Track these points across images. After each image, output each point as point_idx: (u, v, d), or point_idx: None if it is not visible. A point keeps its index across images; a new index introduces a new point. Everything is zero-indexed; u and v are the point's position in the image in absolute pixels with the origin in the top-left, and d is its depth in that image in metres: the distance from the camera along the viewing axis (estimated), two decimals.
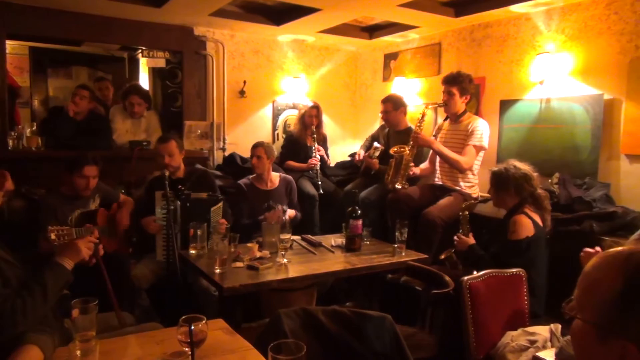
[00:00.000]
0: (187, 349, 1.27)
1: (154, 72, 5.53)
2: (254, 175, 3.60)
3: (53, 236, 2.09)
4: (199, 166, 4.09)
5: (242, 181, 3.62)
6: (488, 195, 3.52)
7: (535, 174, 2.64)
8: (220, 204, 3.11)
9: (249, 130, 4.94)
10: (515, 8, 3.64)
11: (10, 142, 3.73)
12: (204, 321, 1.31)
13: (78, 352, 1.29)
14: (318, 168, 4.26)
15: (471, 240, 2.72)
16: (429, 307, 2.48)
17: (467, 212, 2.83)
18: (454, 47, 4.39)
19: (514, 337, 2.03)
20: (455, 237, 2.79)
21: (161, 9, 3.87)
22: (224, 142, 4.80)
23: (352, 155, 4.80)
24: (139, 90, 4.42)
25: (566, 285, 1.01)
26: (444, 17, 3.99)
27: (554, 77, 3.50)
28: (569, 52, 3.46)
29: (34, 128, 3.94)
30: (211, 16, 4.14)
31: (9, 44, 4.15)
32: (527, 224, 2.47)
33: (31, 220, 2.95)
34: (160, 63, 4.90)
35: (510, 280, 2.23)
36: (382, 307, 2.91)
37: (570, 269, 1.38)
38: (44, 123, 4.10)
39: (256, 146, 3.55)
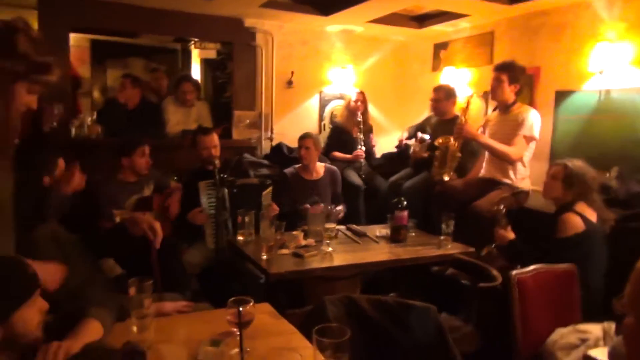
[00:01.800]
0: (235, 329, 1.31)
1: (205, 63, 5.69)
2: (300, 165, 3.64)
3: (118, 219, 2.22)
4: (248, 155, 4.18)
5: (288, 170, 3.67)
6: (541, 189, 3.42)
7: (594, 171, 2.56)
8: (270, 189, 3.19)
9: (296, 120, 4.99)
10: None
11: (73, 130, 3.96)
12: (251, 303, 1.35)
13: (134, 328, 1.37)
14: (363, 160, 4.25)
15: (510, 234, 2.64)
16: (475, 301, 2.44)
17: (502, 206, 2.74)
18: (507, 36, 4.24)
19: (564, 335, 1.97)
20: (495, 231, 2.72)
21: (212, 1, 3.97)
22: (272, 132, 4.87)
23: (399, 146, 4.76)
24: (189, 78, 4.57)
25: (625, 284, 0.98)
26: (497, 5, 3.86)
27: (615, 67, 3.32)
28: (631, 40, 3.26)
29: (94, 117, 4.15)
30: (261, 7, 4.19)
31: (72, 37, 4.37)
32: (576, 222, 2.40)
33: (88, 206, 3.12)
34: (211, 54, 5.03)
35: (561, 276, 2.16)
36: (426, 299, 2.88)
37: (629, 267, 1.32)
38: (101, 113, 4.31)
39: (304, 137, 3.57)
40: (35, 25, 4.06)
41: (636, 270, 0.78)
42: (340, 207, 3.52)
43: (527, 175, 3.42)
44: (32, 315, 1.09)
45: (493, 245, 2.73)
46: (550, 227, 2.52)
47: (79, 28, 4.76)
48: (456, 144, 3.44)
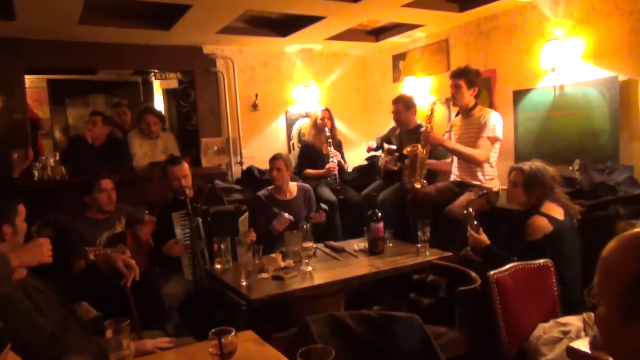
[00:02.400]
0: None
1: (168, 94, 5.65)
2: (273, 186, 3.63)
3: (92, 256, 2.16)
4: (219, 181, 4.15)
5: (261, 193, 3.66)
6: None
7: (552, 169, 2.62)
8: (247, 214, 3.17)
9: (265, 142, 4.99)
10: None
11: (36, 173, 3.84)
12: (233, 333, 1.33)
13: None
14: (336, 173, 4.28)
15: (485, 238, 2.64)
16: (457, 305, 2.46)
17: (471, 209, 2.76)
18: (461, 42, 4.38)
19: (546, 329, 2.00)
20: (468, 235, 2.73)
21: (170, 31, 3.96)
22: (241, 156, 4.86)
23: (370, 158, 4.80)
24: (152, 110, 4.52)
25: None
26: (448, 13, 3.99)
27: (566, 63, 3.46)
28: (579, 36, 3.41)
29: (57, 158, 4.05)
30: (219, 34, 4.21)
31: (28, 78, 4.28)
32: (543, 224, 2.44)
33: (59, 247, 3.03)
34: (173, 84, 5.00)
35: (537, 272, 2.21)
36: (410, 308, 2.90)
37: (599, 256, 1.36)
38: (65, 152, 4.21)
39: (275, 158, 3.57)
40: None
41: (601, 259, 0.80)
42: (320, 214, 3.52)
43: (495, 175, 3.50)
44: None
45: (468, 248, 2.76)
46: (518, 225, 2.57)
47: (34, 69, 4.67)
48: (424, 151, 3.50)
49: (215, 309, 3.03)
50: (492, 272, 2.07)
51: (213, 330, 1.33)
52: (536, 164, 2.63)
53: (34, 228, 3.02)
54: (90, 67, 5.18)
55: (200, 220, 2.94)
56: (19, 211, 1.96)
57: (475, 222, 2.70)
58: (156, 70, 5.14)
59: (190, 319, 2.92)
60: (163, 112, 5.20)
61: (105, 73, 6.02)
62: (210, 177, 4.34)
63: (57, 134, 6.16)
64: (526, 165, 2.64)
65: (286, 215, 3.30)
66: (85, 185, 2.99)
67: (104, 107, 6.05)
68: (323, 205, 3.89)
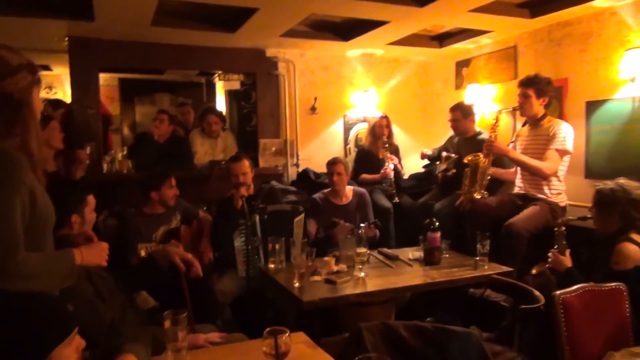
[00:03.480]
0: None
1: (230, 95, 5.80)
2: (329, 190, 3.63)
3: (143, 253, 2.23)
4: (275, 182, 4.20)
5: (317, 196, 3.65)
6: (577, 203, 3.30)
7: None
8: (302, 216, 3.17)
9: (321, 145, 5.02)
10: (597, 3, 3.41)
11: (105, 166, 4.07)
12: (287, 334, 1.32)
13: None
14: (392, 177, 4.22)
15: (568, 261, 2.44)
16: (517, 324, 2.33)
17: (563, 228, 2.53)
18: (530, 49, 4.19)
19: (617, 358, 1.85)
20: (549, 254, 2.54)
21: (235, 34, 4.06)
22: (298, 158, 4.91)
23: (427, 166, 4.71)
24: (214, 110, 4.67)
25: None
26: (518, 19, 3.83)
27: None
28: None
29: (125, 152, 4.26)
30: (282, 37, 4.27)
31: (101, 77, 4.53)
32: (635, 252, 2.20)
33: (120, 238, 3.18)
34: (235, 85, 5.13)
35: (609, 295, 2.04)
36: (463, 323, 2.79)
37: None
38: (132, 148, 4.42)
39: (334, 162, 3.54)
40: (67, 67, 4.24)
41: None
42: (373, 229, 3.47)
43: (562, 190, 3.31)
44: (69, 354, 1.08)
45: (547, 266, 2.58)
46: (601, 251, 2.37)
47: (108, 68, 4.94)
48: (486, 161, 3.37)
49: (266, 308, 3.06)
50: (558, 292, 1.94)
51: (267, 329, 1.32)
52: (617, 183, 2.36)
53: (101, 217, 3.18)
54: (158, 67, 5.42)
55: (257, 218, 2.97)
56: (88, 202, 2.06)
57: (564, 242, 2.50)
58: (220, 72, 5.29)
59: (241, 316, 2.96)
60: (224, 113, 5.35)
61: (172, 73, 6.29)
62: (266, 177, 4.40)
63: (126, 130, 6.49)
64: (606, 184, 2.38)
65: (347, 224, 3.29)
66: (153, 181, 3.11)
67: (168, 106, 6.32)
68: (376, 220, 3.79)
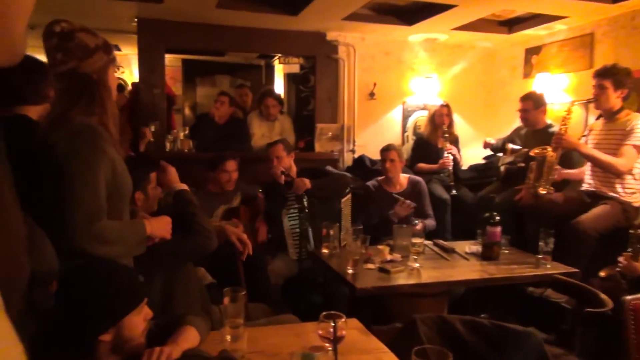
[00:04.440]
0: (327, 344, 1.31)
1: (288, 78, 5.85)
2: (383, 177, 3.61)
3: None
4: (330, 168, 4.21)
5: (371, 183, 3.65)
6: None
7: None
8: (349, 196, 3.20)
9: (379, 132, 4.97)
10: None
11: (168, 145, 4.24)
12: (343, 319, 1.34)
13: (228, 337, 1.41)
14: (451, 168, 4.14)
15: None
16: (579, 327, 2.24)
17: None
18: (609, 37, 3.93)
19: None
20: (621, 258, 2.38)
21: (297, 16, 4.07)
22: (354, 144, 4.89)
23: (488, 157, 4.56)
24: (272, 93, 4.72)
25: None
26: (597, 4, 3.59)
27: None
28: None
29: (186, 132, 4.41)
30: (343, 20, 4.24)
31: (166, 58, 4.69)
32: None
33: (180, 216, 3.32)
34: (295, 69, 5.16)
35: None
36: (519, 322, 2.72)
37: None
38: (193, 128, 4.57)
39: (387, 149, 3.54)
40: (135, 47, 4.43)
41: None
42: (430, 222, 3.44)
43: (638, 189, 3.11)
44: (139, 322, 1.16)
45: (617, 270, 2.44)
46: None
47: (173, 49, 5.11)
48: (554, 155, 3.22)
49: (316, 291, 3.12)
50: (629, 297, 1.84)
51: (324, 313, 1.34)
52: None
53: (161, 195, 3.34)
54: (221, 49, 5.54)
55: (305, 199, 3.03)
56: (151, 179, 2.17)
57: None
58: (280, 55, 5.33)
59: (291, 298, 3.03)
60: (282, 96, 5.40)
61: (232, 55, 6.41)
62: (322, 162, 4.42)
63: (187, 110, 6.71)
64: None
65: (408, 201, 3.27)
66: (211, 162, 3.24)
67: (228, 87, 6.47)
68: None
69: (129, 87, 5.28)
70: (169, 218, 1.71)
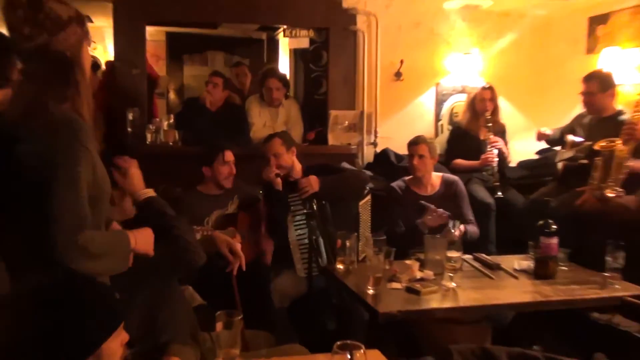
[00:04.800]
0: None
1: (296, 55, 5.86)
2: (411, 177, 3.61)
3: (198, 236, 2.33)
4: (347, 164, 4.21)
5: (396, 184, 3.65)
6: None
7: None
8: (369, 198, 3.20)
9: (406, 120, 4.97)
10: None
11: (149, 136, 4.27)
12: (362, 350, 1.33)
13: None
14: (495, 165, 4.13)
15: None
16: None
17: None
18: None
19: None
20: None
21: None
22: (376, 136, 4.89)
23: (542, 152, 4.53)
24: (275, 73, 4.72)
25: None
26: None
27: None
28: None
29: (171, 121, 4.44)
30: None
31: (147, 31, 4.68)
32: None
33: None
34: (304, 43, 5.16)
35: None
36: (580, 356, 2.70)
37: None
38: (179, 116, 4.59)
39: (416, 142, 3.54)
40: (109, 18, 4.47)
41: None
42: (472, 227, 3.43)
43: None
44: (116, 347, 1.17)
45: None
46: None
47: (155, 20, 5.13)
48: (625, 150, 3.20)
49: (329, 315, 3.12)
50: None
51: (339, 343, 1.34)
52: None
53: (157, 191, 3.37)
54: (213, 20, 5.54)
55: (314, 203, 3.03)
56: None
57: None
58: (285, 27, 5.34)
59: (299, 324, 3.04)
60: (288, 77, 5.41)
61: (227, 28, 6.44)
62: (336, 157, 4.41)
63: (172, 94, 6.76)
64: None
65: (440, 210, 3.26)
66: (206, 155, 3.27)
67: (222, 66, 6.51)
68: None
69: (103, 67, 5.31)
70: (151, 231, 1.72)
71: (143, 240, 1.64)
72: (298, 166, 3.40)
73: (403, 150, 3.89)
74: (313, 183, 3.17)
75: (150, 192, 1.94)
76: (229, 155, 3.27)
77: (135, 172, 1.96)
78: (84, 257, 1.37)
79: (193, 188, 3.33)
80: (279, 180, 3.22)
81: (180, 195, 3.27)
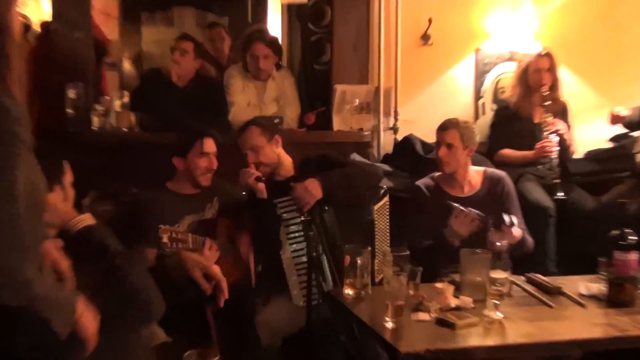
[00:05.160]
0: None
1: (290, 12, 5.83)
2: (440, 173, 3.63)
3: (165, 239, 2.33)
4: (358, 156, 4.19)
5: (423, 182, 3.68)
6: None
7: None
8: (386, 200, 3.19)
9: (437, 98, 4.98)
10: None
11: (96, 120, 4.25)
12: None
13: None
14: (556, 156, 4.14)
15: None
16: None
17: None
18: None
19: None
20: None
21: None
22: (396, 119, 4.89)
23: (617, 138, 4.54)
24: (263, 35, 4.69)
25: None
26: None
27: None
28: None
29: (126, 100, 4.43)
30: None
31: None
32: None
33: (122, 233, 3.34)
34: None
35: None
36: None
37: None
38: (137, 93, 4.59)
39: (445, 127, 3.57)
40: None
41: None
42: (517, 230, 3.39)
43: None
44: None
45: None
46: None
47: None
48: None
49: (335, 356, 3.11)
50: None
51: None
52: None
53: (86, 200, 3.36)
54: None
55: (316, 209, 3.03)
56: (66, 169, 2.18)
57: None
58: None
59: None
60: (280, 41, 5.39)
61: None
62: (343, 147, 4.42)
63: (127, 64, 6.74)
64: None
65: (471, 210, 3.26)
66: (183, 143, 3.26)
67: (193, 28, 6.49)
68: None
69: (36, 30, 5.29)
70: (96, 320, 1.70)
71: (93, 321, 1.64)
72: (287, 160, 3.40)
73: (433, 137, 3.88)
74: (312, 190, 3.07)
75: (87, 220, 1.91)
76: (210, 145, 3.28)
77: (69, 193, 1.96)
78: (24, 298, 1.37)
79: (161, 186, 3.32)
80: (261, 185, 3.19)
81: (137, 197, 3.26)
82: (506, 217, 3.15)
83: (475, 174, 3.63)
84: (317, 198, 3.08)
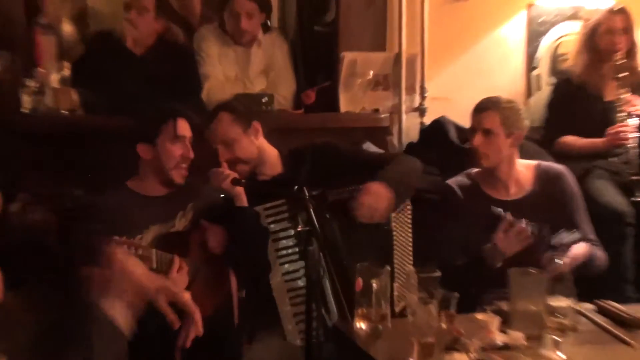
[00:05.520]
0: None
1: None
2: (479, 170, 3.65)
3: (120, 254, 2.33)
4: (371, 145, 4.20)
5: (457, 181, 3.72)
6: None
7: None
8: (409, 209, 3.18)
9: (475, 70, 5.02)
10: None
11: (26, 100, 4.24)
12: None
13: None
14: (634, 146, 4.15)
15: None
16: None
17: None
18: None
19: None
20: None
21: None
22: (423, 97, 4.91)
23: None
24: None
25: None
26: None
27: None
28: None
29: (65, 73, 4.42)
30: None
31: None
32: None
33: (60, 248, 3.34)
34: None
35: None
36: None
37: None
38: (81, 63, 4.62)
39: (481, 109, 3.59)
40: None
41: None
42: (581, 245, 3.41)
43: None
44: None
45: None
46: None
47: None
48: None
49: None
50: None
51: None
52: None
53: (15, 206, 3.36)
54: None
55: (312, 214, 3.00)
56: None
57: None
58: None
59: None
60: None
61: None
62: (353, 133, 4.43)
63: (66, 26, 6.73)
64: None
65: (523, 222, 3.27)
66: (148, 125, 3.25)
67: None
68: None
69: None
70: None
71: None
72: (272, 153, 3.41)
73: (468, 120, 3.89)
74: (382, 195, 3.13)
75: None
76: (184, 127, 3.24)
77: None
78: None
79: (116, 185, 3.30)
80: (239, 189, 3.19)
81: (82, 201, 3.26)
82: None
83: (525, 170, 3.64)
84: (388, 209, 3.12)
